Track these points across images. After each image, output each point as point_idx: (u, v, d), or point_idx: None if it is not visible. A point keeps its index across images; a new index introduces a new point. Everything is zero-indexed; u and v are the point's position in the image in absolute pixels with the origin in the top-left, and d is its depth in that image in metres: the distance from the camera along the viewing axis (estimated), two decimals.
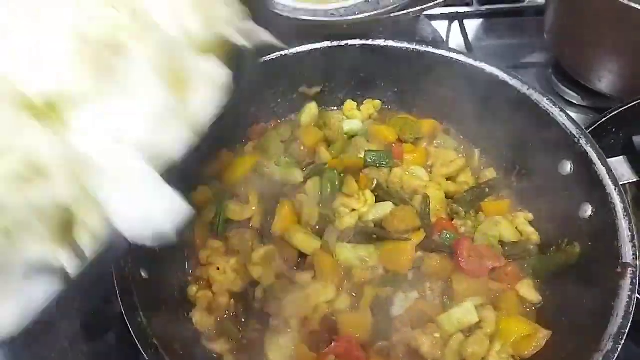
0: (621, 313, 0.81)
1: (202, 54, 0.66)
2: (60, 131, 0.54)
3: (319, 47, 1.24)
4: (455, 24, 1.82)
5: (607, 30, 1.33)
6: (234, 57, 0.69)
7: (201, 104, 0.62)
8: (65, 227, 0.53)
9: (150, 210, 0.54)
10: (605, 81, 1.44)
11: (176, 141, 0.58)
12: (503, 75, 1.15)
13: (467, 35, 1.76)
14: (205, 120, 0.62)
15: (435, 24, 1.81)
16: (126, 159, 0.54)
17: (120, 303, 0.83)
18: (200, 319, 0.95)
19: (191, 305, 0.99)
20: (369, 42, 1.24)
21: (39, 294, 0.52)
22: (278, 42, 0.75)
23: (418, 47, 1.22)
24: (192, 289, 1.00)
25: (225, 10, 0.70)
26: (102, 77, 0.55)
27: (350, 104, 1.29)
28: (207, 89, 0.64)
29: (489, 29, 1.88)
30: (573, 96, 1.57)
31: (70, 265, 0.52)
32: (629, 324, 0.80)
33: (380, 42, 1.24)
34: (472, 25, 1.87)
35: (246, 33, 0.71)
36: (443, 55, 1.21)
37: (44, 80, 0.53)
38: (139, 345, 0.79)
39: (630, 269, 0.85)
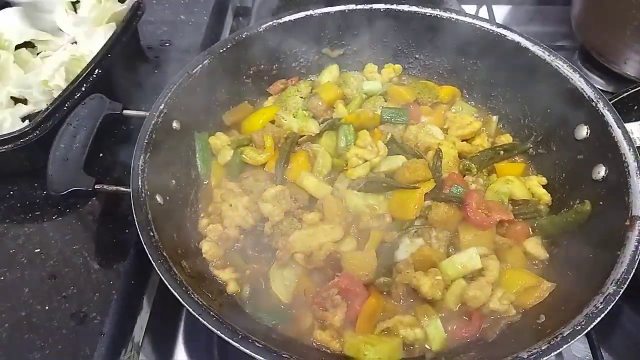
0: (626, 260, 0.80)
1: None
2: None
3: (343, 9, 1.26)
4: (484, 8, 1.82)
5: (631, 11, 1.32)
6: None
7: None
8: None
9: None
10: (630, 63, 1.43)
11: None
12: (525, 42, 1.15)
13: (494, 19, 1.76)
14: None
15: (465, 7, 1.82)
16: None
17: (134, 217, 0.86)
18: (208, 249, 0.98)
19: (201, 236, 1.02)
20: (393, 6, 1.27)
21: None
22: None
23: (442, 13, 1.24)
24: (203, 222, 1.03)
25: None
26: None
27: (371, 67, 1.31)
28: None
29: (516, 16, 1.89)
30: (598, 81, 1.56)
31: None
32: (633, 271, 0.79)
33: (405, 7, 1.26)
34: (500, 12, 1.87)
35: None
36: (466, 22, 1.22)
37: None
38: (149, 255, 0.82)
39: (638, 221, 0.85)
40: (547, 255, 0.98)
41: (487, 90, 1.26)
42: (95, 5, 1.30)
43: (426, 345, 0.88)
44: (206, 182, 1.11)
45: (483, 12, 1.82)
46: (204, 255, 0.98)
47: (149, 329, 1.04)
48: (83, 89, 1.11)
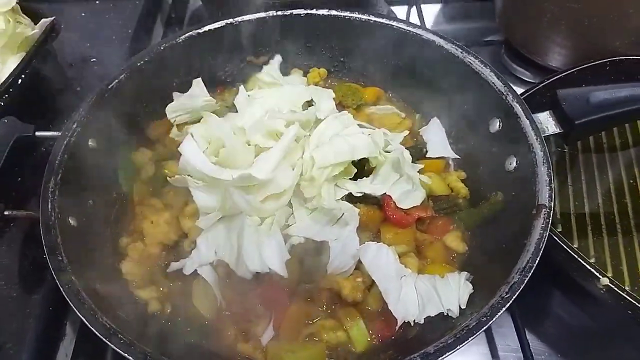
0: (532, 249, 0.82)
1: None
2: None
3: (264, 16, 1.27)
4: (414, 9, 1.85)
5: (544, 3, 1.36)
6: None
7: None
8: None
9: None
10: (551, 54, 1.47)
11: None
12: (439, 40, 1.18)
13: (424, 19, 1.78)
14: None
15: (395, 8, 1.85)
16: None
17: (43, 242, 0.84)
18: (129, 269, 0.96)
19: (121, 256, 1.00)
20: (313, 11, 1.28)
21: None
22: None
23: (359, 16, 1.26)
24: (124, 241, 1.01)
25: None
26: None
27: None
28: None
29: (447, 13, 1.92)
30: (524, 73, 1.60)
31: None
32: (538, 259, 0.81)
33: (324, 12, 1.27)
34: (431, 10, 1.91)
35: None
36: (382, 23, 1.24)
37: None
38: (56, 280, 0.80)
39: (544, 209, 0.87)
40: (466, 248, 1.00)
41: (409, 90, 1.28)
42: (2, 34, 1.26)
43: (350, 348, 0.89)
44: (128, 200, 1.09)
45: (414, 12, 1.84)
46: (124, 276, 0.96)
47: (78, 354, 1.02)
48: None
